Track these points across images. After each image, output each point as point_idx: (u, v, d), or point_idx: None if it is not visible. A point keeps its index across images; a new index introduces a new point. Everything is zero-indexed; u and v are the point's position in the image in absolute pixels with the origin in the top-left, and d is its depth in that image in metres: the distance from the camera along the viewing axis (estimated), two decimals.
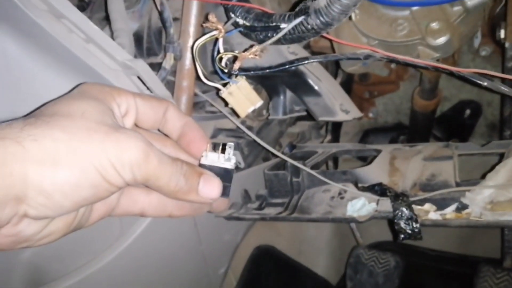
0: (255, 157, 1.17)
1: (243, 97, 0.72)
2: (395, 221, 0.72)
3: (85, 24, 0.67)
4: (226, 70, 0.69)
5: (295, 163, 0.90)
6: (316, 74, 0.95)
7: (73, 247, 0.85)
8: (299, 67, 0.87)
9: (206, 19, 0.70)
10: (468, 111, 1.28)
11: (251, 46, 0.66)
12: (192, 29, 0.87)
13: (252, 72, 0.69)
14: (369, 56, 0.66)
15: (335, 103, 0.91)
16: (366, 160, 1.23)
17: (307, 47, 1.15)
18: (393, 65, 1.20)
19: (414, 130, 1.26)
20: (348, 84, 1.25)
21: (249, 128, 1.11)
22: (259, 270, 1.21)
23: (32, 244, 0.41)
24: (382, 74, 1.18)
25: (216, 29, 0.70)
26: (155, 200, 0.50)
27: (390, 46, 0.75)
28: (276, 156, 1.31)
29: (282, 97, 1.01)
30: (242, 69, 0.71)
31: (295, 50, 0.91)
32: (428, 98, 1.10)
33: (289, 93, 1.01)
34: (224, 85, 0.75)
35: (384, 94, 1.34)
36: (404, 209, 0.71)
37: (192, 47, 0.69)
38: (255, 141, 1.09)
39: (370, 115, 1.47)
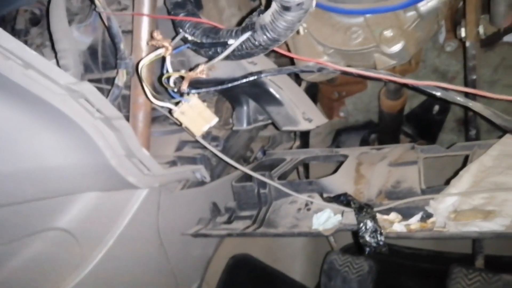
0: (224, 166, 1.13)
1: (196, 115, 0.69)
2: (360, 234, 0.70)
3: (21, 50, 0.63)
4: (175, 90, 0.66)
5: (260, 176, 0.88)
6: (277, 83, 0.92)
7: (32, 276, 0.82)
8: None
9: (151, 37, 0.67)
10: (436, 107, 1.27)
11: (197, 65, 0.62)
12: (144, 44, 0.83)
13: (203, 90, 0.66)
14: (322, 69, 0.63)
15: (298, 112, 0.89)
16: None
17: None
18: None
19: (383, 130, 1.24)
20: (314, 88, 1.23)
21: (216, 138, 1.08)
22: (235, 280, 1.18)
23: None
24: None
25: (163, 46, 0.66)
26: None
27: (346, 54, 0.73)
28: (248, 162, 1.29)
29: (245, 107, 0.98)
30: (193, 86, 0.68)
31: (254, 60, 0.88)
32: (394, 98, 1.08)
33: (252, 103, 0.98)
34: (178, 103, 0.71)
35: (352, 94, 1.32)
36: (368, 221, 0.70)
37: (137, 68, 0.65)
38: (223, 150, 1.07)
39: (341, 114, 1.45)
